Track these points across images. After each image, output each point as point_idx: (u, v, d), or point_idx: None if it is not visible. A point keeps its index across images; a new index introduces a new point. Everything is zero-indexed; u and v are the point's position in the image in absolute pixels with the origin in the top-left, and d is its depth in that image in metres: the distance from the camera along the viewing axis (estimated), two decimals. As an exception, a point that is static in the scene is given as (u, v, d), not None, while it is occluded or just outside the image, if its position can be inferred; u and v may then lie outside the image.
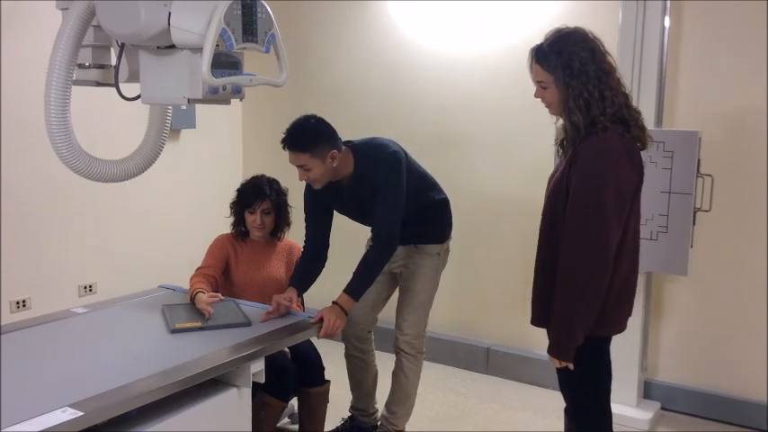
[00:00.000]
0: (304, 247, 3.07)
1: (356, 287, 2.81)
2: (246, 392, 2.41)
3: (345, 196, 2.94)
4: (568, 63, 2.12)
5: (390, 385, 3.20)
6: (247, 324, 2.59)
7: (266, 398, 2.77)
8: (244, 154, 5.12)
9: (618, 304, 2.21)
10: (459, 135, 4.31)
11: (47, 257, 4.00)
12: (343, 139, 2.92)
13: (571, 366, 2.17)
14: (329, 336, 2.70)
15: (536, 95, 2.27)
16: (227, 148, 5.06)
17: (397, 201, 2.85)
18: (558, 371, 2.32)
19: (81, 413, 1.83)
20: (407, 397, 3.16)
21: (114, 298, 2.98)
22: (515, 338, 4.22)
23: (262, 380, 2.43)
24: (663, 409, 3.76)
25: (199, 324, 2.56)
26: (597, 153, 2.10)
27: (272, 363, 2.53)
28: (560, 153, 2.30)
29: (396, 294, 3.22)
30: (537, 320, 2.33)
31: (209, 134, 4.86)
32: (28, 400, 1.90)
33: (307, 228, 3.05)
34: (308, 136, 2.77)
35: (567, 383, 2.33)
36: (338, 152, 2.82)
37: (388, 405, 3.19)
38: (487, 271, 4.31)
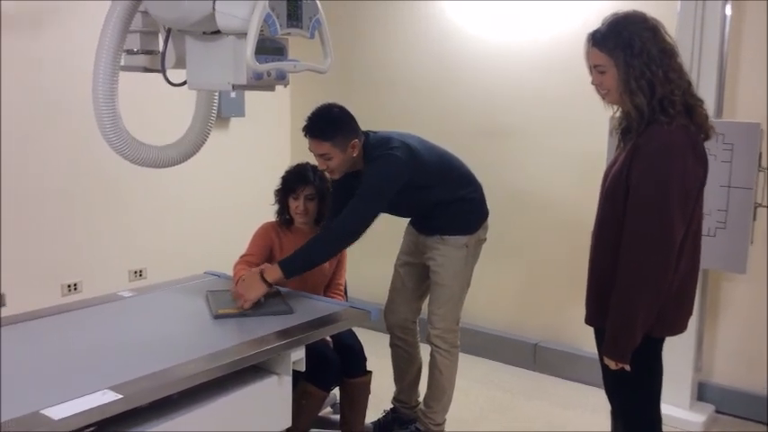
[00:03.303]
0: (326, 221, 3.02)
1: (289, 264, 2.65)
2: (287, 380, 2.39)
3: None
4: (629, 42, 2.03)
5: (427, 379, 3.16)
6: (289, 312, 2.57)
7: (307, 386, 2.76)
8: (291, 143, 5.13)
9: (677, 304, 2.12)
10: (508, 127, 4.22)
11: (99, 243, 4.07)
12: (373, 130, 2.89)
13: (627, 368, 2.08)
14: (242, 304, 2.55)
15: (593, 82, 2.18)
16: (275, 136, 5.08)
17: (368, 202, 2.72)
18: (605, 371, 2.24)
19: (120, 396, 1.83)
20: (443, 392, 3.11)
21: (160, 283, 3.01)
22: (563, 335, 4.13)
23: (302, 368, 2.41)
24: (717, 412, 3.62)
25: (241, 310, 2.56)
26: (661, 146, 2.00)
27: (314, 352, 2.51)
28: (620, 144, 2.20)
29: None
30: (591, 319, 2.25)
31: (258, 123, 4.89)
32: (68, 382, 1.91)
33: (332, 200, 3.02)
34: (329, 125, 2.75)
35: (616, 385, 2.24)
36: (359, 142, 2.78)
37: (425, 399, 3.16)
38: (536, 266, 4.22)
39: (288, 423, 2.44)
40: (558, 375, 4.09)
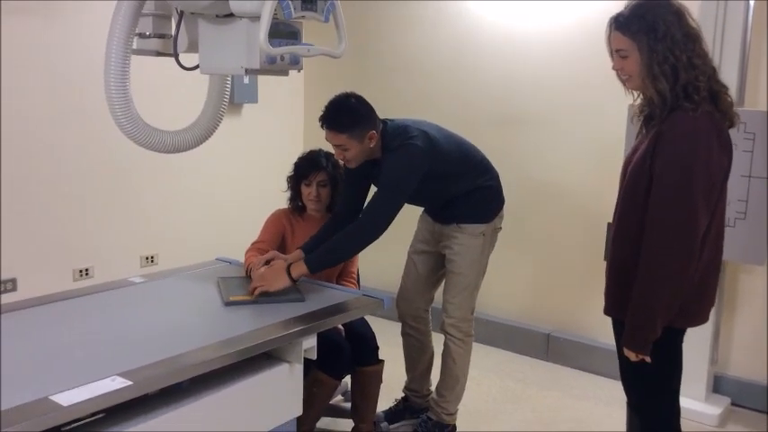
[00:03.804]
0: (337, 207, 2.99)
1: (315, 260, 2.62)
2: (298, 368, 2.37)
3: (378, 176, 2.83)
4: (653, 26, 1.98)
5: (440, 368, 3.13)
6: (301, 300, 2.55)
7: (319, 375, 2.73)
8: (305, 129, 5.10)
9: (698, 295, 2.08)
10: (523, 114, 4.17)
11: (111, 228, 4.06)
12: (388, 117, 2.85)
13: (648, 359, 2.04)
14: (255, 292, 2.53)
15: (614, 67, 2.13)
16: (288, 123, 5.05)
17: (391, 196, 2.68)
18: (623, 363, 2.20)
19: (130, 382, 1.81)
20: (456, 381, 3.08)
21: (172, 269, 2.99)
22: (576, 325, 4.09)
23: (314, 356, 2.39)
24: (733, 404, 3.58)
25: (253, 297, 2.54)
26: (685, 134, 1.95)
27: (326, 340, 2.48)
28: (642, 131, 2.15)
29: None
30: (610, 310, 2.20)
31: (271, 109, 4.85)
32: (77, 368, 1.89)
33: (344, 186, 2.98)
34: (347, 116, 2.70)
35: (634, 376, 2.19)
36: (376, 133, 2.73)
37: (437, 389, 3.13)
38: (550, 256, 4.17)
39: (299, 411, 2.42)
40: (571, 366, 4.05)
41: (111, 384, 1.79)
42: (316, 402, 2.74)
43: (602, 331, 3.95)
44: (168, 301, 2.58)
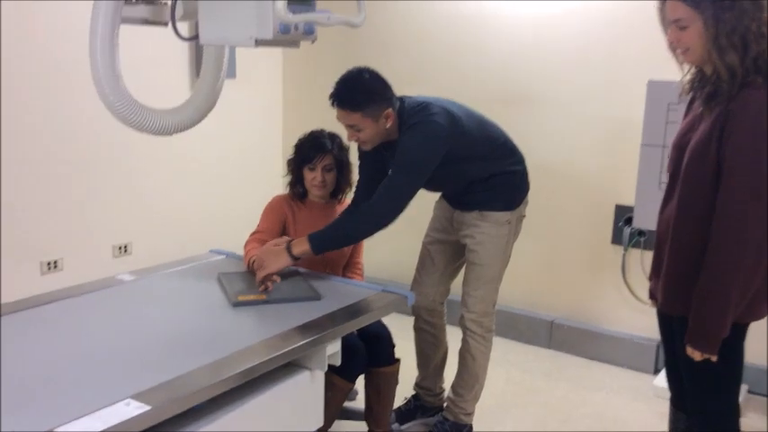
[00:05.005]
0: (355, 192, 2.76)
1: (319, 239, 2.44)
2: (320, 375, 2.14)
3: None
4: None
5: (457, 365, 2.91)
6: (317, 298, 2.30)
7: (333, 378, 2.48)
8: (284, 106, 4.79)
9: (765, 287, 1.90)
10: (528, 93, 3.94)
11: (79, 216, 3.72)
12: (408, 95, 2.60)
13: (714, 358, 1.87)
14: (261, 274, 2.36)
15: (670, 38, 1.92)
16: (267, 99, 4.71)
17: (409, 174, 2.45)
18: (677, 361, 2.03)
19: (148, 407, 1.54)
20: (475, 379, 2.87)
21: (163, 263, 2.68)
22: (580, 312, 3.92)
23: (337, 362, 2.16)
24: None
25: (264, 297, 2.28)
26: (759, 114, 1.76)
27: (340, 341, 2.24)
28: (696, 109, 1.96)
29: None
30: (670, 307, 2.01)
31: (250, 85, 4.51)
32: (82, 390, 1.62)
33: (360, 172, 2.74)
34: (360, 93, 2.45)
35: (695, 376, 2.00)
36: (393, 111, 2.49)
37: (454, 387, 2.91)
38: (552, 239, 3.98)
39: (320, 422, 2.19)
40: (574, 353, 3.89)
41: (127, 410, 1.53)
42: (330, 408, 2.49)
43: (606, 318, 3.82)
44: (167, 302, 2.29)
